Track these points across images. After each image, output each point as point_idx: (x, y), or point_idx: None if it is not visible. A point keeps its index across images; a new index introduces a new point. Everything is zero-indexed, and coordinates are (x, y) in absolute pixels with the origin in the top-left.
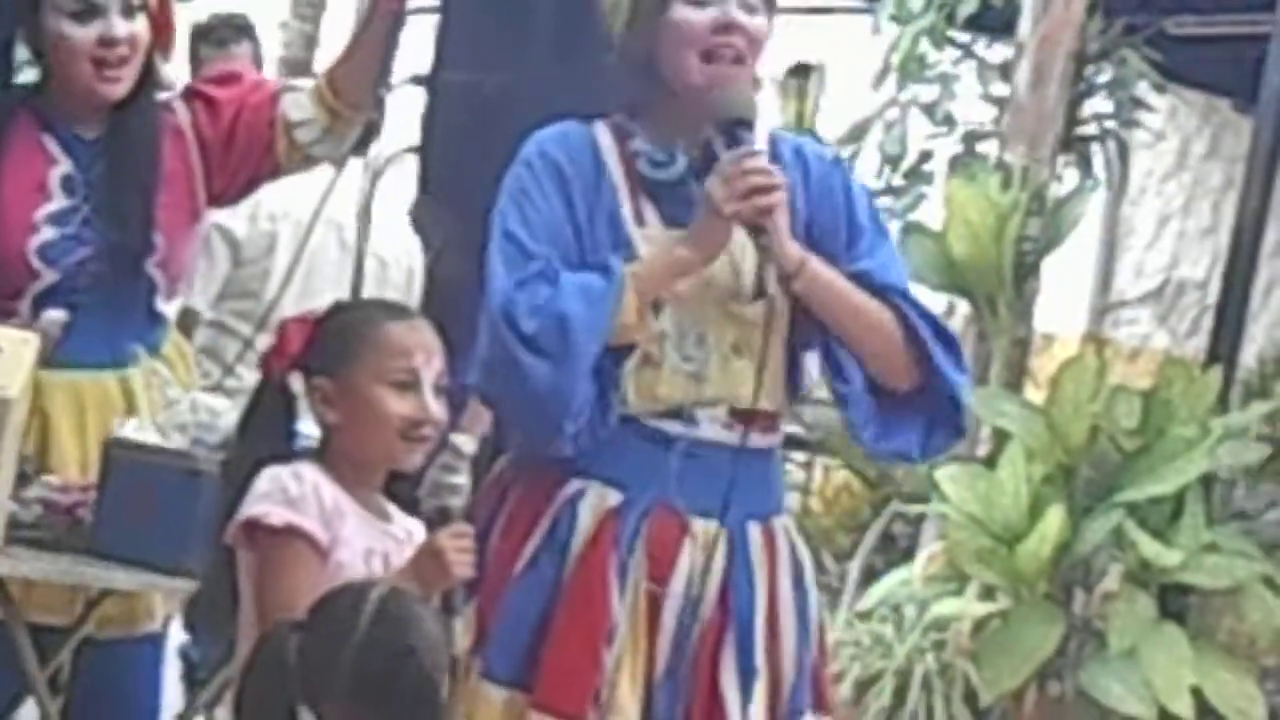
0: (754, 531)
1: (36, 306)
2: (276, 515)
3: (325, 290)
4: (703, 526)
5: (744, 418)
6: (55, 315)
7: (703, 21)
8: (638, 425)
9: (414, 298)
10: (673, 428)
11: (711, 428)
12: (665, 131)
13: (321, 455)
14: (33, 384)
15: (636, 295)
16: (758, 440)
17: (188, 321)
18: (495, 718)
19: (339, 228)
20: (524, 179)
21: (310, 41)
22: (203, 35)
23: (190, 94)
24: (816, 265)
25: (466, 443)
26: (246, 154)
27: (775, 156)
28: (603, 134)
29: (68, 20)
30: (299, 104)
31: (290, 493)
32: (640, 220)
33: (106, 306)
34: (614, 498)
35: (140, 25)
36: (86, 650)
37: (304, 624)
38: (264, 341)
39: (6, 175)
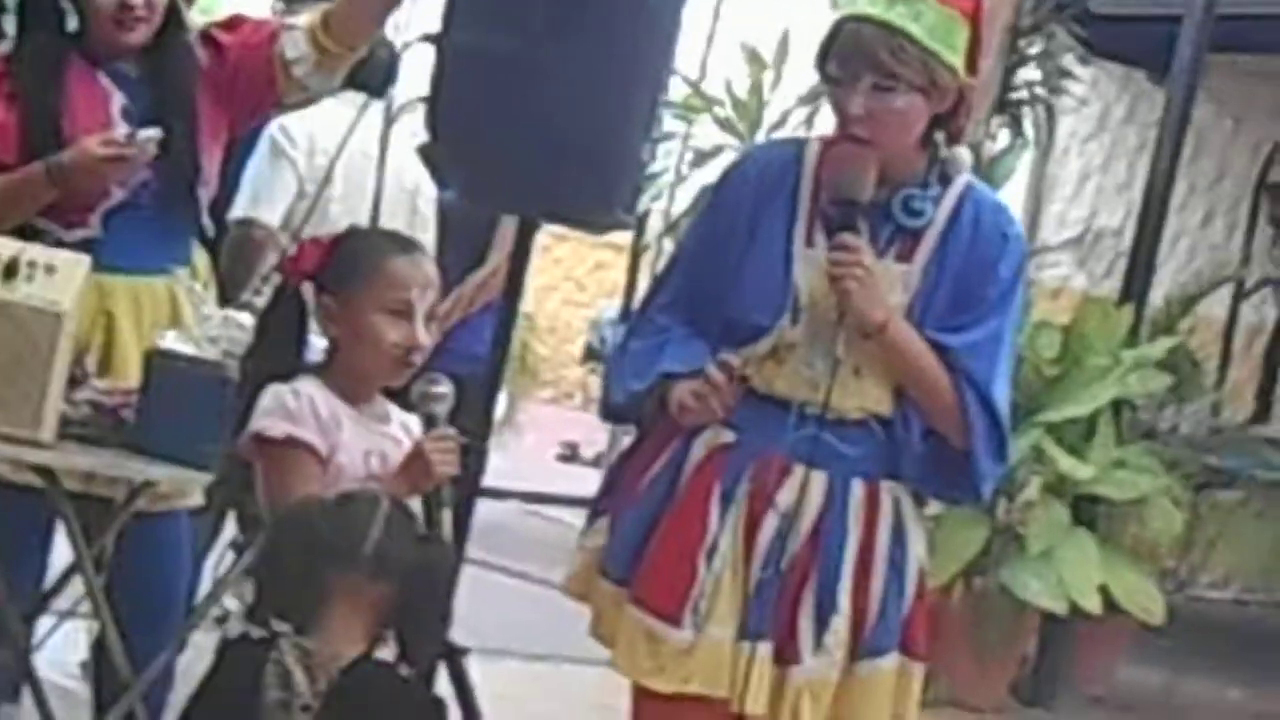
0: (857, 487)
1: (105, 221)
2: (277, 429)
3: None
4: (803, 472)
5: (846, 422)
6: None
7: (841, 105)
8: (758, 393)
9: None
10: (789, 406)
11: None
12: None
13: (326, 366)
14: (99, 287)
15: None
16: (853, 437)
17: (255, 234)
18: (606, 607)
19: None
20: (710, 200)
21: None
22: None
23: (203, 38)
24: (894, 332)
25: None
26: (250, 89)
27: (958, 210)
28: (812, 152)
29: None
30: (294, 42)
31: (289, 407)
32: (810, 242)
33: (161, 221)
34: (727, 436)
35: None
36: (130, 524)
37: (329, 506)
38: None
39: (75, 107)
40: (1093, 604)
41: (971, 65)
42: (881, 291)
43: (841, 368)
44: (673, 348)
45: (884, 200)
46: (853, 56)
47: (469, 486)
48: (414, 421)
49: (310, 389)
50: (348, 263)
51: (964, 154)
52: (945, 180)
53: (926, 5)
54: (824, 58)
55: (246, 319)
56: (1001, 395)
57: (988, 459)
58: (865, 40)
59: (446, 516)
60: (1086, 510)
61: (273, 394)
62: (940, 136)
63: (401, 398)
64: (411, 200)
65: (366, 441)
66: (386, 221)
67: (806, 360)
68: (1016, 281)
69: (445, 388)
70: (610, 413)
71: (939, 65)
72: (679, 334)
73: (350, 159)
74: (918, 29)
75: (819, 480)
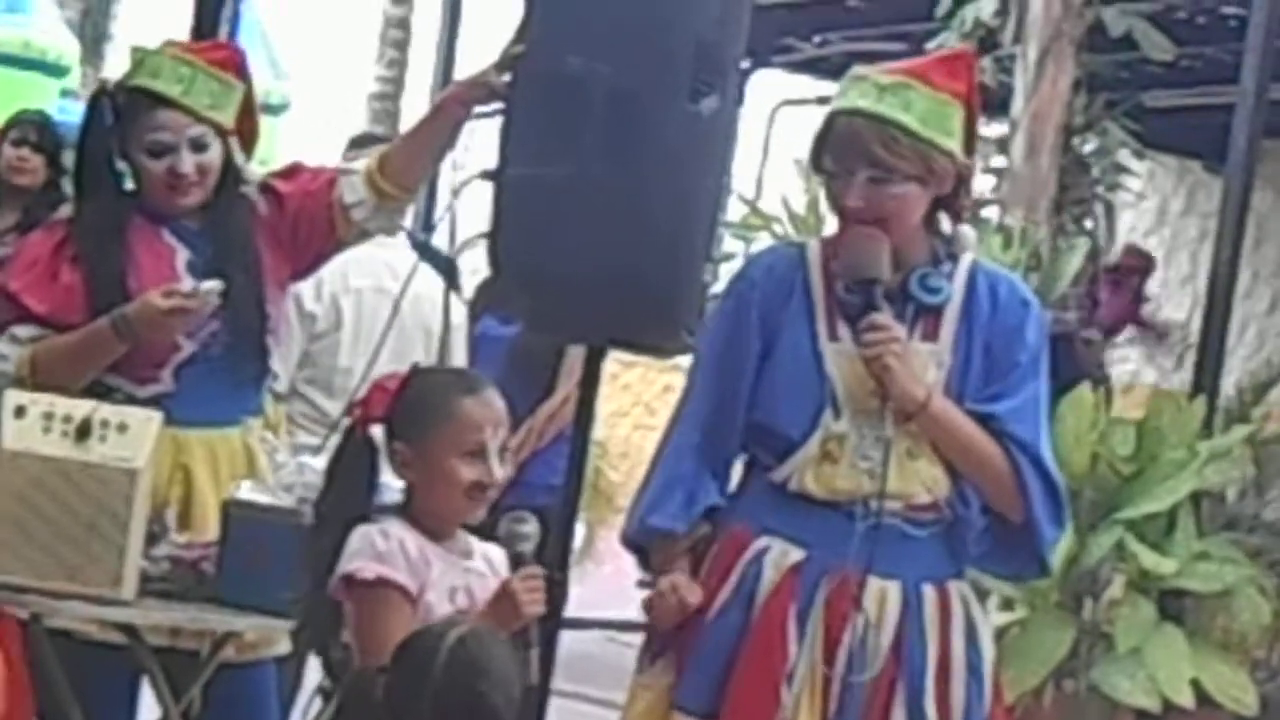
0: (929, 592)
1: (177, 375)
2: (369, 570)
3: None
4: (877, 585)
5: (915, 506)
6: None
7: (839, 198)
8: (821, 502)
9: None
10: (853, 510)
11: (887, 515)
12: None
13: (406, 508)
14: (175, 442)
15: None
16: (923, 520)
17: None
18: None
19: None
20: (719, 308)
21: (394, 119)
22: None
23: (263, 188)
24: (937, 407)
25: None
26: (311, 235)
27: (972, 284)
28: (814, 251)
29: (145, 155)
30: (352, 187)
31: (379, 548)
32: (834, 336)
33: (232, 372)
34: (796, 554)
35: (210, 155)
36: (217, 676)
37: (388, 669)
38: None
39: (139, 264)
40: (1185, 699)
41: (969, 145)
42: (918, 367)
43: (894, 451)
44: (681, 491)
45: (899, 282)
46: (847, 151)
47: (551, 618)
48: (495, 552)
49: (398, 530)
50: (417, 408)
51: (968, 231)
52: (953, 257)
53: (916, 93)
54: (818, 152)
55: (321, 464)
56: (1050, 458)
57: (1048, 524)
58: (859, 134)
59: (534, 656)
60: (1172, 605)
61: (361, 535)
62: (942, 216)
63: (482, 531)
64: (427, 336)
65: (453, 579)
66: (407, 354)
67: (860, 451)
68: (1042, 346)
69: (532, 526)
70: (625, 543)
71: (934, 152)
72: (690, 470)
73: (360, 296)
74: (909, 119)
75: (894, 590)
